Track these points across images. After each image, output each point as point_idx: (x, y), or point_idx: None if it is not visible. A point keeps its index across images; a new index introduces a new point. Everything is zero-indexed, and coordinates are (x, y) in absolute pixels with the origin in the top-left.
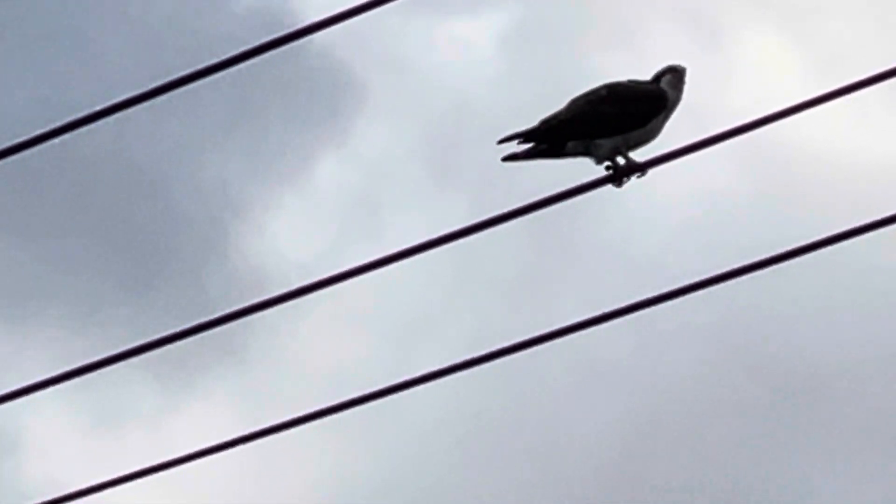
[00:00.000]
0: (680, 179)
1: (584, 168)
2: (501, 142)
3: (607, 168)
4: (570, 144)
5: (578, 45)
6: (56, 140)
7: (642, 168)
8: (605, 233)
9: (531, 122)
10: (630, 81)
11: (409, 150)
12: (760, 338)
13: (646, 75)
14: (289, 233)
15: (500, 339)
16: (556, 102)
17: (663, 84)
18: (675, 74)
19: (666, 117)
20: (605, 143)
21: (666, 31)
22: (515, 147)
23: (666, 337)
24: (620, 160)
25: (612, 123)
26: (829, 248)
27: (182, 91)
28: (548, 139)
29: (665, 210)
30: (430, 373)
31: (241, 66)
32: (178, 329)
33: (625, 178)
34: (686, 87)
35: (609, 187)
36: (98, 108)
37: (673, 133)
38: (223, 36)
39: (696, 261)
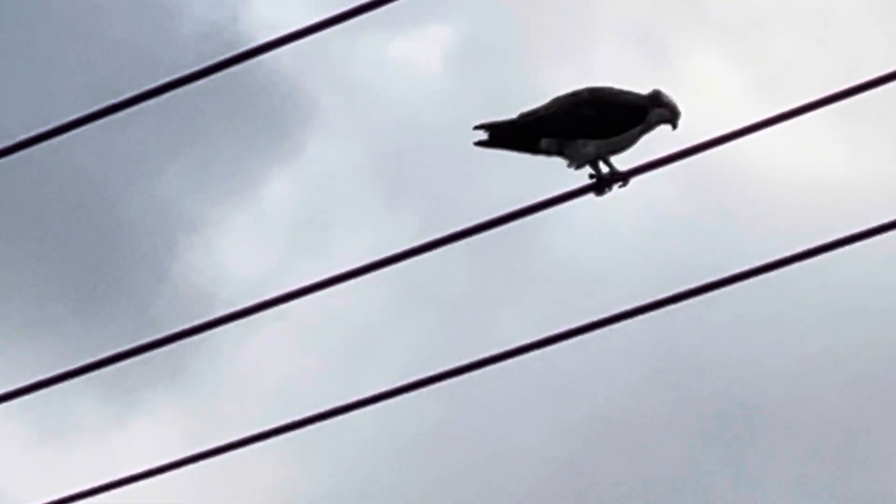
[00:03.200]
0: (627, 198)
1: (534, 186)
2: (477, 128)
3: (591, 176)
4: (544, 141)
5: (525, 62)
6: (3, 159)
7: (625, 177)
8: (553, 251)
9: (480, 137)
10: (614, 89)
11: (357, 168)
12: (704, 356)
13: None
14: (238, 250)
15: (447, 356)
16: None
17: (656, 115)
18: (672, 118)
19: (642, 132)
20: (582, 147)
21: (612, 49)
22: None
23: (610, 355)
24: (603, 168)
25: (589, 126)
26: (775, 272)
27: (131, 110)
28: (523, 132)
29: (611, 229)
30: (377, 394)
31: (191, 85)
32: (124, 348)
33: (607, 188)
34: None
35: (562, 207)
36: (47, 127)
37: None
38: (173, 54)
39: (643, 280)
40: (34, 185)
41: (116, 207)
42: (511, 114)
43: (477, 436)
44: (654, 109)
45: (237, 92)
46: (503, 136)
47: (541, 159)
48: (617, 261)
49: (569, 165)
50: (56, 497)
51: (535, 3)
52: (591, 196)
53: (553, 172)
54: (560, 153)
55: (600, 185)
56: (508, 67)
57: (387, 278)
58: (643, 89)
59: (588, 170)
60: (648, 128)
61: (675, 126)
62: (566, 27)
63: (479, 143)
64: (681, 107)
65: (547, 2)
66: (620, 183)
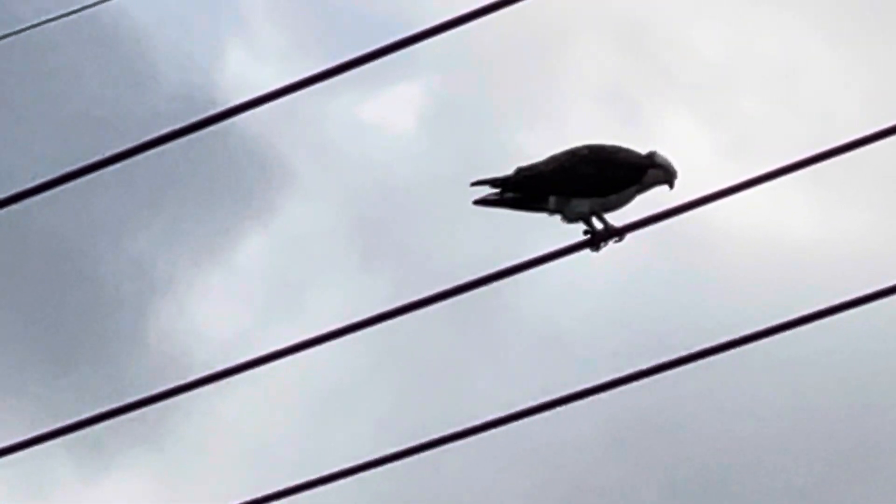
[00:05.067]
0: (601, 259)
1: (511, 244)
2: (475, 184)
3: (585, 233)
4: (551, 200)
5: (498, 122)
6: None
7: (620, 233)
8: (527, 316)
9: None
10: (613, 146)
11: (331, 229)
12: (676, 424)
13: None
14: (212, 312)
15: (422, 420)
16: (478, 177)
17: (652, 176)
18: (668, 178)
19: (638, 191)
20: (580, 204)
21: (584, 109)
22: (488, 191)
23: (582, 422)
24: (598, 224)
25: (588, 184)
26: (750, 344)
27: (104, 171)
28: (522, 189)
29: (585, 291)
30: (351, 467)
31: (166, 147)
32: (98, 412)
33: (602, 243)
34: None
35: (530, 273)
36: (20, 188)
37: None
38: (146, 115)
39: (617, 343)
40: (6, 247)
41: (89, 269)
42: (483, 172)
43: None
44: (650, 170)
45: (210, 153)
46: (505, 191)
47: (518, 217)
48: (590, 322)
49: (563, 220)
50: None
51: (506, 63)
52: (562, 259)
53: (531, 230)
54: (560, 211)
55: (595, 240)
56: (481, 127)
57: (362, 340)
58: (641, 149)
59: (580, 225)
60: (644, 188)
61: (671, 186)
62: (537, 87)
63: (478, 202)
64: (677, 167)
65: (518, 62)
66: (616, 238)
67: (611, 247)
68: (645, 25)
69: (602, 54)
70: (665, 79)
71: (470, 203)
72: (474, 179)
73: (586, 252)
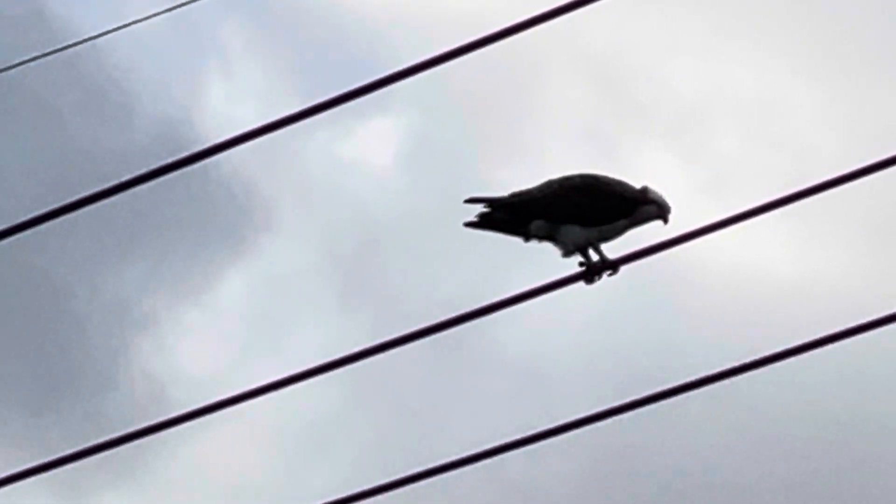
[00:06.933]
0: (579, 296)
1: (488, 281)
2: (468, 202)
3: (581, 264)
4: (534, 224)
5: (476, 158)
6: None
7: (615, 265)
8: (506, 350)
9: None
10: (608, 178)
11: (311, 266)
12: (653, 463)
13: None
14: (192, 349)
15: (400, 456)
16: (457, 215)
17: (644, 212)
18: (661, 213)
19: (629, 225)
20: (572, 234)
21: (561, 146)
22: (480, 212)
23: (560, 458)
24: (594, 256)
25: (577, 212)
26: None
27: (84, 209)
28: (512, 212)
29: (563, 327)
30: (331, 501)
31: (147, 185)
32: (77, 449)
33: (596, 276)
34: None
35: (495, 315)
36: (1, 226)
37: None
38: (127, 151)
39: (594, 378)
40: None
41: (70, 306)
42: (461, 210)
43: None
44: (643, 206)
45: (190, 191)
46: (494, 211)
47: (498, 252)
48: (569, 357)
49: (560, 253)
50: None
51: (484, 100)
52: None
53: (510, 266)
54: (550, 238)
55: (590, 273)
56: (459, 164)
57: (340, 377)
58: (636, 183)
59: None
60: (636, 222)
61: (665, 221)
62: (515, 123)
63: (469, 224)
64: (670, 202)
65: (496, 98)
66: (610, 272)
67: (608, 277)
68: (621, 63)
69: (579, 91)
70: (642, 116)
71: (448, 239)
72: (468, 197)
73: (566, 286)
